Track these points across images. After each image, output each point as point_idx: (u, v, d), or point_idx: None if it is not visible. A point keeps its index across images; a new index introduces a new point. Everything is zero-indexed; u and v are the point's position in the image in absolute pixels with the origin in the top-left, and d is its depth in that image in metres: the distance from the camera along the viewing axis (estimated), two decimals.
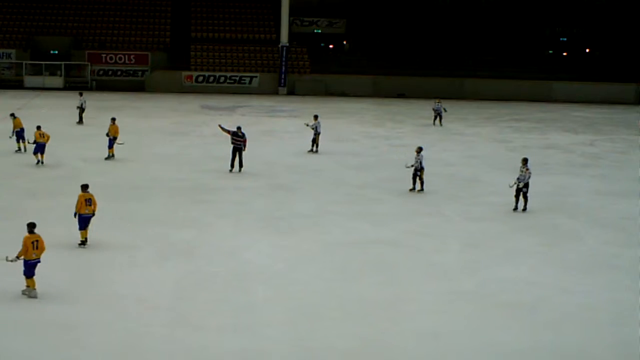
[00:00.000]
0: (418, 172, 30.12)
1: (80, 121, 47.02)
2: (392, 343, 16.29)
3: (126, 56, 70.01)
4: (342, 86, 69.25)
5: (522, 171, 27.48)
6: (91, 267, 20.35)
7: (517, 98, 67.57)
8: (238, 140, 33.00)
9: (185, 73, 69.42)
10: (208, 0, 75.92)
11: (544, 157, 39.11)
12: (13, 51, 69.08)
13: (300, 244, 23.06)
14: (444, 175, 33.82)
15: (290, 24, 71.22)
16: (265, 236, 23.73)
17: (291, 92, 68.78)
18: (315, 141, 39.01)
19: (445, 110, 50.68)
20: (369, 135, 45.08)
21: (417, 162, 29.65)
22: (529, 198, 27.64)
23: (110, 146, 35.34)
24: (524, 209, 27.51)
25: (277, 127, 46.75)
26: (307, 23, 76.24)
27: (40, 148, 33.07)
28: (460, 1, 76.87)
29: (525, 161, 27.80)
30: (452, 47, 72.72)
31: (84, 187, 22.72)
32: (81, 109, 47.30)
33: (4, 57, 68.67)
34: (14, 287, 18.64)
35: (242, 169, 33.03)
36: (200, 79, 69.22)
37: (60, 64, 67.75)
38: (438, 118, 50.60)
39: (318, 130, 38.99)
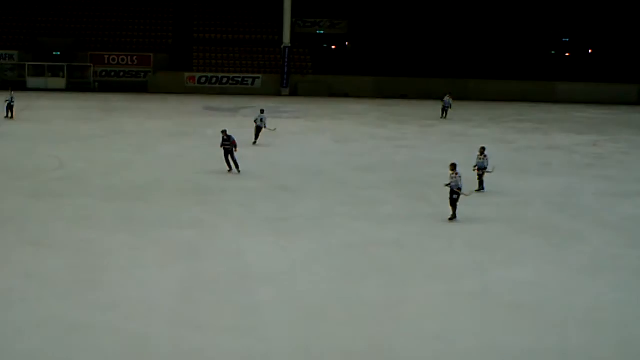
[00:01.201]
0: (481, 172, 30.49)
1: (11, 117, 47.48)
2: (397, 345, 16.23)
3: (129, 57, 70.17)
4: (345, 87, 69.32)
5: (452, 177, 25.81)
6: (94, 268, 20.30)
7: (520, 99, 67.65)
8: (226, 144, 33.05)
9: (187, 74, 69.56)
10: (210, 1, 75.92)
11: (547, 158, 39.07)
12: (16, 52, 69.30)
13: (304, 245, 22.99)
14: (446, 176, 33.66)
15: (293, 25, 71.30)
16: (269, 237, 23.67)
17: (294, 93, 68.87)
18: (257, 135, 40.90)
19: (450, 106, 54.46)
20: (372, 136, 45.06)
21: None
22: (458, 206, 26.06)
23: None
24: (451, 218, 26.05)
25: (280, 128, 46.68)
26: (310, 24, 76.31)
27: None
28: (463, 2, 76.77)
29: (453, 166, 26.02)
30: (455, 48, 72.67)
31: None
32: (9, 104, 47.57)
33: (7, 59, 68.84)
34: (17, 287, 18.62)
35: (240, 169, 32.98)
36: (203, 80, 69.34)
37: (63, 65, 67.92)
38: (445, 112, 54.66)
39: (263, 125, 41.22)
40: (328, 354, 15.75)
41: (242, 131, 45.29)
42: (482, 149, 30.81)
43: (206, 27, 74.36)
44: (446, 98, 55.71)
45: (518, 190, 31.43)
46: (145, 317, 17.18)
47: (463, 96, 66.57)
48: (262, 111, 41.98)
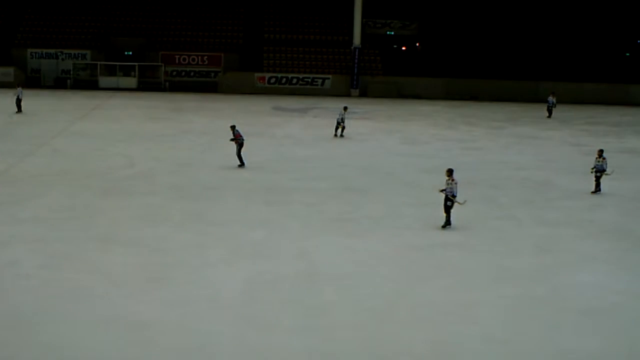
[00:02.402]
0: (599, 174, 30.51)
1: (19, 110, 49.82)
2: (462, 347, 16.07)
3: (199, 57, 70.67)
4: (414, 88, 69.02)
5: (448, 184, 24.86)
6: (161, 266, 20.44)
7: (593, 101, 66.68)
8: (240, 139, 34.09)
9: (257, 74, 69.81)
10: (281, 1, 76.14)
11: (621, 162, 38.43)
12: (88, 52, 70.24)
13: (371, 246, 22.91)
14: (516, 178, 33.42)
15: (363, 26, 71.19)
16: (336, 238, 23.62)
17: (363, 94, 68.74)
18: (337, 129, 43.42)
19: (555, 106, 56.95)
20: (442, 137, 44.77)
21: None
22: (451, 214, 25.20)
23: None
24: (444, 225, 25.00)
25: (349, 129, 46.62)
26: (380, 25, 76.05)
27: None
28: (535, 3, 75.96)
29: (450, 172, 25.01)
30: (526, 50, 71.91)
31: None
32: (18, 99, 49.98)
33: (80, 58, 69.79)
34: (85, 284, 18.82)
35: (244, 164, 34.06)
36: (273, 80, 69.52)
37: (134, 65, 68.62)
38: (550, 111, 56.85)
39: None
40: (392, 355, 15.64)
41: (310, 132, 45.46)
42: (600, 152, 31.05)
43: (276, 28, 74.60)
44: (550, 97, 57.69)
45: (589, 193, 30.94)
46: (212, 315, 17.24)
47: (534, 98, 65.90)
48: (345, 108, 44.50)
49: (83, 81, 67.83)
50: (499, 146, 42.61)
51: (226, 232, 23.73)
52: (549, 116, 56.76)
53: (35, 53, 70.08)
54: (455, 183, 24.76)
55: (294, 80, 69.76)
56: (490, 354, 15.85)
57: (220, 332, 16.35)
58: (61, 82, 68.28)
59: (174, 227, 24.19)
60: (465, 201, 24.85)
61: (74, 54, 70.04)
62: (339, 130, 43.61)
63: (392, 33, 76.69)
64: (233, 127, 34.09)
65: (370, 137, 44.35)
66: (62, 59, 69.77)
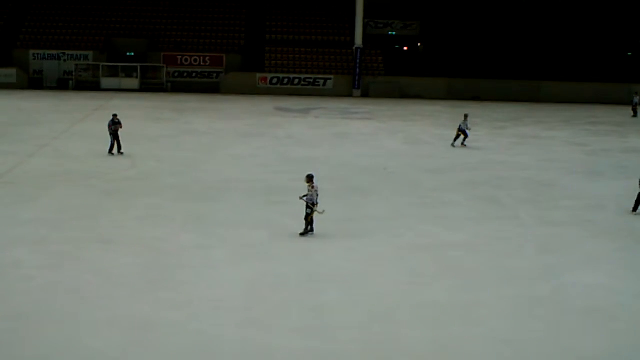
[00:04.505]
0: None
1: None
2: (466, 348, 16.03)
3: (201, 58, 70.67)
4: (416, 88, 69.00)
5: (309, 191, 23.19)
6: (164, 267, 20.42)
7: (595, 101, 66.64)
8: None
9: (259, 75, 69.82)
10: (283, 2, 76.12)
11: (623, 161, 38.42)
12: (90, 53, 70.25)
13: (373, 247, 22.88)
14: (519, 178, 33.38)
15: (365, 26, 71.18)
16: (338, 238, 23.58)
17: (365, 94, 68.72)
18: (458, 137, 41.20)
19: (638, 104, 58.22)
20: (444, 137, 44.69)
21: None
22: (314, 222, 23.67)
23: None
24: (302, 233, 23.57)
25: (351, 130, 46.65)
26: (382, 25, 76.08)
27: None
28: (536, 3, 75.93)
29: (310, 178, 23.27)
30: (527, 50, 71.89)
31: None
32: None
33: (82, 59, 69.79)
34: (88, 284, 18.80)
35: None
36: (275, 80, 69.52)
37: (136, 66, 68.64)
38: (635, 111, 58.30)
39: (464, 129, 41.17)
40: (395, 356, 15.61)
41: (312, 133, 45.44)
42: None
43: (278, 28, 74.58)
44: (635, 98, 59.23)
45: (592, 193, 30.91)
46: (215, 316, 17.22)
47: (535, 98, 65.89)
48: (465, 116, 41.78)
49: (85, 82, 67.83)
50: (501, 146, 42.56)
51: (228, 233, 23.69)
52: (635, 115, 58.31)
53: (38, 54, 70.09)
54: (316, 190, 23.15)
55: (296, 81, 69.74)
56: (494, 355, 15.82)
57: (222, 333, 16.33)
58: (63, 84, 68.30)
59: (176, 228, 24.17)
60: (324, 211, 23.18)
61: (76, 55, 70.04)
62: (460, 139, 41.16)
63: (394, 33, 76.71)
64: (115, 116, 36.35)
65: (372, 138, 44.31)
66: (64, 60, 69.78)
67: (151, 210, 26.31)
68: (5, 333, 15.99)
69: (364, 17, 70.20)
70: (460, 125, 41.30)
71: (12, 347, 15.40)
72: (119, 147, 36.10)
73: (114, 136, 36.02)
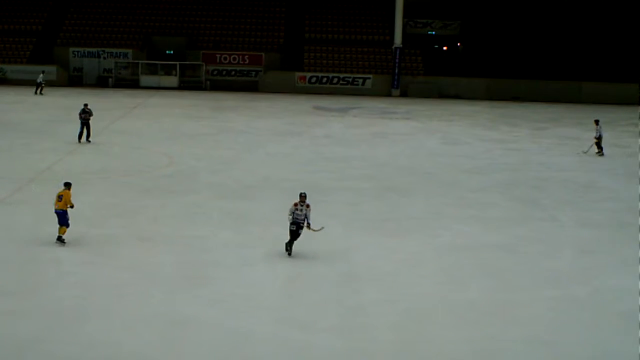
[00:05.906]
0: None
1: (37, 93, 58.93)
2: (502, 349, 15.95)
3: (240, 56, 70.76)
4: (455, 88, 68.67)
5: (299, 210, 21.66)
6: (201, 264, 20.50)
7: (637, 102, 65.93)
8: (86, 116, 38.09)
9: (298, 74, 69.77)
10: (322, 1, 76.08)
11: None
12: (130, 51, 70.59)
13: (410, 247, 22.83)
14: (559, 180, 33.13)
15: (404, 26, 70.92)
16: (375, 238, 23.56)
17: (404, 94, 68.49)
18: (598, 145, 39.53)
19: None
20: (483, 138, 44.49)
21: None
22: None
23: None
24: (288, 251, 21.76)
25: (390, 129, 46.52)
26: (421, 25, 75.69)
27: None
28: (579, 2, 75.30)
29: (303, 197, 21.96)
30: (569, 50, 71.30)
31: (66, 185, 22.50)
32: (39, 84, 59.13)
33: (121, 57, 70.18)
34: (125, 281, 18.90)
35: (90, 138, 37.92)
36: (313, 79, 69.46)
37: (176, 64, 68.91)
38: None
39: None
40: (432, 356, 15.57)
41: (350, 132, 45.39)
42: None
43: (317, 27, 74.53)
44: None
45: (632, 196, 30.61)
46: (251, 314, 17.26)
47: (576, 99, 65.37)
48: (596, 122, 40.01)
49: (124, 80, 68.13)
50: (541, 147, 42.25)
51: (265, 232, 23.73)
52: None
53: (78, 52, 70.55)
54: (309, 209, 21.70)
55: (335, 80, 69.65)
56: (531, 356, 15.72)
57: (259, 331, 16.36)
58: (103, 81, 68.68)
59: (214, 226, 24.25)
60: (322, 227, 22.23)
61: (116, 52, 70.42)
62: (593, 148, 39.80)
63: (434, 33, 76.36)
64: (86, 105, 38.98)
65: (410, 137, 44.18)
66: (104, 58, 70.19)
67: (189, 208, 26.41)
68: (44, 330, 16.12)
69: (404, 17, 69.98)
70: (599, 133, 39.74)
71: (52, 343, 15.52)
72: (88, 135, 38.03)
73: (84, 124, 38.00)
